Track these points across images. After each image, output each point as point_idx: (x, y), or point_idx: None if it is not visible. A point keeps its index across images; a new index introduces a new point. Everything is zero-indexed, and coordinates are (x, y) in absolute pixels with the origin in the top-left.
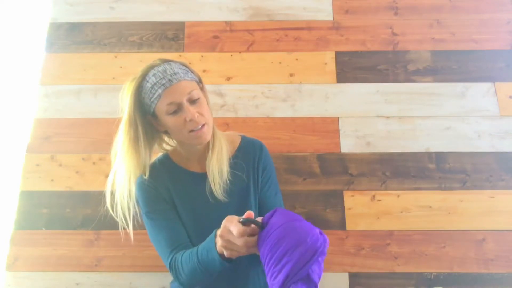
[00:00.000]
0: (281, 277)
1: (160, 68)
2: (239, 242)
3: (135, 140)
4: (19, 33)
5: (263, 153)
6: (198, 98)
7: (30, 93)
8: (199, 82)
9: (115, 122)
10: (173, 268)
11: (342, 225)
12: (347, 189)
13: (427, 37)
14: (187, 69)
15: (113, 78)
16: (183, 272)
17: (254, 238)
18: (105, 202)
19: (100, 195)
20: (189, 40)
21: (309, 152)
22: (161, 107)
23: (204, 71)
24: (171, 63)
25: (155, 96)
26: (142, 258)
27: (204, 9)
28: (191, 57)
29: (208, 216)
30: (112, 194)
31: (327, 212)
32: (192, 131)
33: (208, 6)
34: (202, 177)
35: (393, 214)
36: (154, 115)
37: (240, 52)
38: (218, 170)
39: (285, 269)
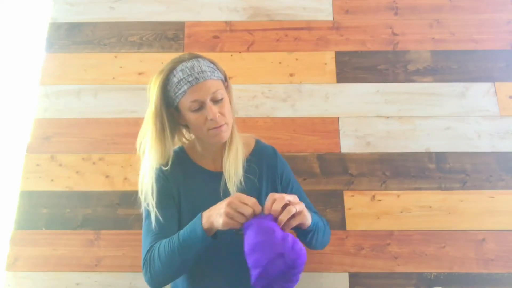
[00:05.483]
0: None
1: (189, 64)
2: (250, 201)
3: (161, 132)
4: (19, 33)
5: (278, 159)
6: (222, 99)
7: (30, 93)
8: (225, 80)
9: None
10: (147, 258)
11: (342, 225)
12: (347, 189)
13: (427, 37)
14: (215, 67)
15: (113, 78)
16: (158, 260)
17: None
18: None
19: (100, 195)
20: (189, 40)
21: (309, 152)
22: (185, 103)
23: None
24: (199, 59)
25: (180, 91)
26: None
27: (204, 9)
28: None
29: None
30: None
31: (327, 212)
32: (211, 129)
33: (208, 6)
34: (216, 176)
35: (393, 214)
36: (177, 109)
37: (240, 52)
38: (234, 169)
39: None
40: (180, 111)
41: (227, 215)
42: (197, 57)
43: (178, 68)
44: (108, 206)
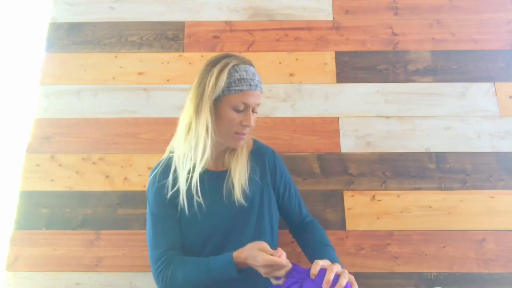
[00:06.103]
0: None
1: (252, 69)
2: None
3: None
4: (19, 33)
5: (277, 160)
6: (257, 112)
7: (30, 93)
8: None
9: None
10: (166, 276)
11: (342, 225)
12: (347, 189)
13: (427, 37)
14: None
15: (113, 78)
16: (182, 281)
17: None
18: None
19: (100, 195)
20: (189, 40)
21: (309, 152)
22: (234, 100)
23: None
24: (255, 71)
25: (237, 88)
26: (142, 258)
27: (204, 9)
28: (191, 57)
29: (219, 215)
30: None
31: (327, 212)
32: (237, 133)
33: (208, 6)
34: (218, 175)
35: (393, 214)
36: (219, 100)
37: (240, 52)
38: (240, 168)
39: None
40: (219, 104)
41: (266, 274)
42: (254, 66)
43: (243, 67)
44: (108, 206)
